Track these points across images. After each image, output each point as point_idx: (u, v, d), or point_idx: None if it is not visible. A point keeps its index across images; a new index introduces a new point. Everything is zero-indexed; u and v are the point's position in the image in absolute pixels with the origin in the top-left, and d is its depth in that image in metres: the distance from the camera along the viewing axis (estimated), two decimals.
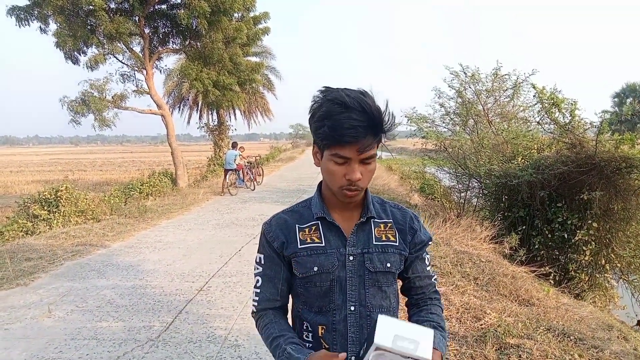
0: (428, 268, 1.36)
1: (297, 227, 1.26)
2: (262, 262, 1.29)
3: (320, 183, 1.30)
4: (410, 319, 1.35)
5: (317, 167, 1.19)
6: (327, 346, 1.21)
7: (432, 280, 1.37)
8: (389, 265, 1.25)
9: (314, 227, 1.25)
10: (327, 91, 1.13)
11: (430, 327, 1.20)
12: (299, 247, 1.24)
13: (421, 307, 1.35)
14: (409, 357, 0.88)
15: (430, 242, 1.37)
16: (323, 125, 1.10)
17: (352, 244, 1.23)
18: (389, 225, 1.29)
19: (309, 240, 1.24)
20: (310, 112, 1.16)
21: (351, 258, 1.22)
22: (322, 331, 1.22)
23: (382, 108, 1.12)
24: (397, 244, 1.27)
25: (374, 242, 1.25)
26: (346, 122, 1.05)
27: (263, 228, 1.32)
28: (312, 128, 1.16)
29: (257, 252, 1.32)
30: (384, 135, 1.15)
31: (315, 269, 1.21)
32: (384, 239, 1.26)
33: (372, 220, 1.27)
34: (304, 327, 1.26)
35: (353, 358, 1.20)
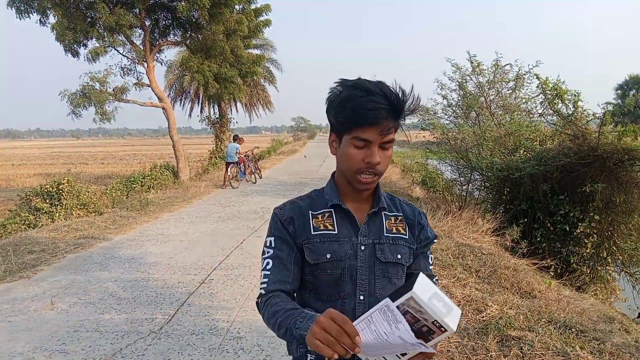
0: (430, 267, 1.37)
1: (310, 214, 1.26)
2: (273, 244, 1.25)
3: (334, 173, 1.30)
4: None
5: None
6: None
7: (433, 280, 1.37)
8: (399, 256, 1.25)
9: (327, 214, 1.25)
10: (346, 81, 1.16)
11: None
12: (312, 233, 1.23)
13: None
14: (433, 321, 0.86)
15: (435, 240, 1.37)
16: (344, 109, 1.12)
17: (364, 233, 1.23)
18: (399, 218, 1.30)
19: (322, 227, 1.23)
20: (329, 101, 1.18)
21: (362, 248, 1.22)
22: None
23: (407, 91, 1.13)
24: (407, 237, 1.28)
25: (385, 234, 1.25)
26: (369, 104, 1.08)
27: (275, 212, 1.29)
28: (331, 114, 1.17)
29: (267, 237, 1.28)
30: (403, 121, 1.16)
31: (328, 256, 1.21)
32: (394, 231, 1.27)
33: (383, 212, 1.28)
34: None
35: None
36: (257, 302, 1.24)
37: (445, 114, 10.60)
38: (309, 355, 1.25)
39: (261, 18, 16.67)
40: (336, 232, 1.23)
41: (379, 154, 1.12)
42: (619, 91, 35.71)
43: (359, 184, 1.16)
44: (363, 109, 1.08)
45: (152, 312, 4.13)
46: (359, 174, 1.14)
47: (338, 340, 0.87)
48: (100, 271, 5.39)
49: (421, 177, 14.48)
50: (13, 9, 11.98)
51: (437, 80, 10.43)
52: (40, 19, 12.34)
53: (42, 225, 8.22)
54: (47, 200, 8.99)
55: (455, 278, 4.67)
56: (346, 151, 1.15)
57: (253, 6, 15.71)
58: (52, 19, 12.39)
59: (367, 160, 1.11)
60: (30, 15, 12.23)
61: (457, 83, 10.04)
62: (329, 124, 1.24)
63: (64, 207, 8.98)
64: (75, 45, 13.02)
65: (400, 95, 1.11)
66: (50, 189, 9.18)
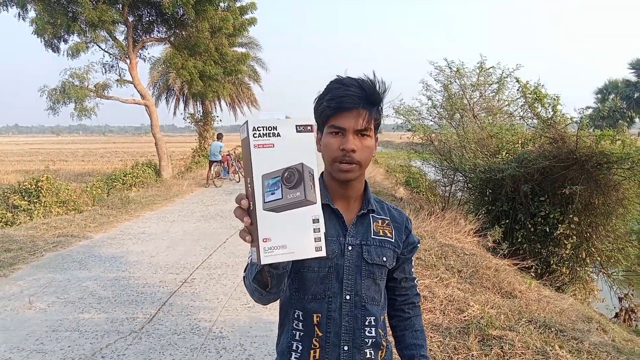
0: (413, 270, 1.41)
1: None
2: None
3: (322, 173, 1.30)
4: (394, 334, 1.43)
5: None
6: (320, 334, 1.22)
7: (415, 282, 1.43)
8: (384, 259, 1.27)
9: None
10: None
11: (419, 355, 1.34)
12: None
13: (404, 320, 1.40)
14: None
15: (419, 245, 1.41)
16: (323, 100, 1.17)
17: (352, 234, 1.24)
18: (387, 222, 1.31)
19: None
20: (315, 99, 1.22)
21: (350, 248, 1.23)
22: (317, 319, 1.22)
23: (375, 79, 1.18)
24: (393, 241, 1.30)
25: (372, 236, 1.27)
26: (342, 93, 1.13)
27: None
28: (315, 111, 1.21)
29: None
30: (379, 111, 1.19)
31: None
32: (381, 233, 1.28)
33: (371, 214, 1.29)
34: (295, 316, 1.25)
35: (346, 347, 1.22)
36: (243, 279, 1.19)
37: (430, 115, 10.70)
38: (293, 354, 1.24)
39: (246, 16, 16.57)
40: (325, 230, 1.22)
41: (356, 142, 1.14)
42: (598, 95, 36.37)
43: (338, 173, 1.17)
44: (338, 97, 1.13)
45: (132, 311, 4.07)
46: (337, 162, 1.15)
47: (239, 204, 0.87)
48: (80, 270, 5.30)
49: (405, 177, 14.56)
50: None
51: (422, 81, 10.53)
52: (19, 13, 12.09)
53: (20, 223, 8.06)
54: (26, 198, 8.82)
55: (438, 278, 4.71)
56: (325, 142, 1.17)
57: (238, 4, 15.61)
58: (32, 13, 12.16)
59: (342, 147, 1.13)
60: (9, 8, 11.98)
61: (442, 85, 10.15)
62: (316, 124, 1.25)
63: (42, 204, 8.81)
64: (55, 40, 12.79)
65: (372, 83, 1.16)
66: (29, 186, 9.00)
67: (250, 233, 0.86)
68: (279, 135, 0.83)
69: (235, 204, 0.88)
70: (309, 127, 0.87)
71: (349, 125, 1.13)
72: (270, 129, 0.83)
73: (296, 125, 0.86)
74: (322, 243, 0.87)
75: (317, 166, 0.87)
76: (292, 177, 0.84)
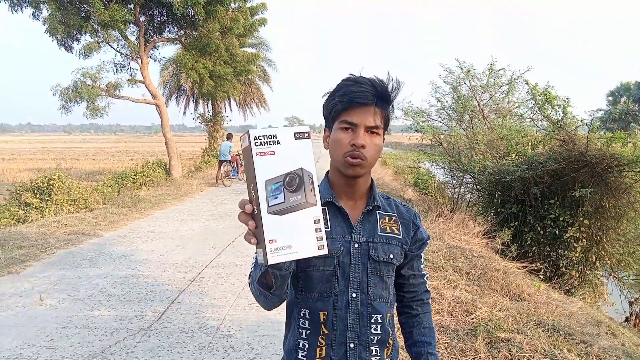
0: (422, 266, 1.40)
1: None
2: None
3: (328, 172, 1.31)
4: (402, 331, 1.44)
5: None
6: (327, 332, 1.23)
7: (424, 279, 1.42)
8: (392, 256, 1.27)
9: None
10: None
11: (426, 353, 1.34)
12: None
13: (413, 317, 1.40)
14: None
15: (428, 241, 1.40)
16: (334, 97, 1.18)
17: (358, 231, 1.24)
18: (394, 218, 1.31)
19: None
20: (325, 97, 1.24)
21: (356, 245, 1.23)
22: (324, 317, 1.23)
23: (388, 78, 1.20)
24: (400, 237, 1.30)
25: (379, 233, 1.27)
26: (355, 89, 1.15)
27: None
28: (325, 107, 1.23)
29: None
30: (391, 110, 1.22)
31: None
32: (388, 230, 1.28)
33: (377, 211, 1.29)
34: (301, 314, 1.25)
35: (352, 345, 1.22)
36: (249, 285, 1.22)
37: (439, 116, 10.66)
38: (300, 351, 1.25)
39: (257, 17, 16.63)
40: (329, 229, 1.23)
41: (366, 139, 1.15)
42: (610, 98, 36.03)
43: (347, 168, 1.17)
44: (350, 93, 1.15)
45: (142, 309, 4.11)
46: (346, 157, 1.16)
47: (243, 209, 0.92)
48: (90, 267, 5.35)
49: (413, 178, 14.52)
50: (6, 2, 11.89)
51: (431, 82, 10.50)
52: (33, 13, 12.25)
53: (32, 220, 8.15)
54: (38, 196, 8.92)
55: (446, 280, 4.70)
56: (334, 137, 1.18)
57: (249, 4, 15.67)
58: (45, 13, 12.31)
59: (353, 142, 1.14)
60: (24, 8, 12.14)
61: (451, 87, 10.11)
62: (322, 125, 1.26)
63: (54, 202, 8.91)
64: (68, 40, 12.94)
65: (384, 82, 1.17)
66: (41, 184, 9.11)
67: (256, 236, 0.91)
68: (279, 143, 0.89)
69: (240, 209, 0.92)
70: (306, 134, 0.93)
71: (361, 121, 1.14)
72: (270, 137, 0.89)
73: (294, 133, 0.92)
74: (324, 242, 0.93)
75: (315, 170, 0.93)
76: (293, 181, 0.90)
